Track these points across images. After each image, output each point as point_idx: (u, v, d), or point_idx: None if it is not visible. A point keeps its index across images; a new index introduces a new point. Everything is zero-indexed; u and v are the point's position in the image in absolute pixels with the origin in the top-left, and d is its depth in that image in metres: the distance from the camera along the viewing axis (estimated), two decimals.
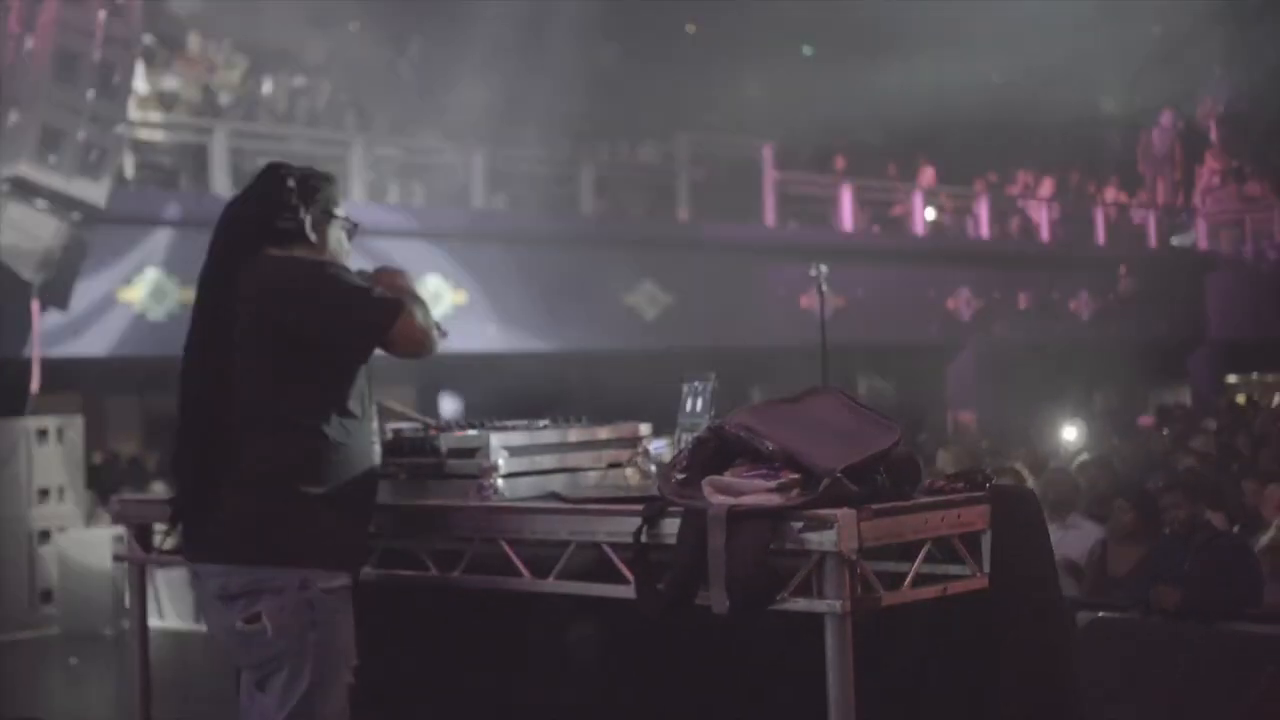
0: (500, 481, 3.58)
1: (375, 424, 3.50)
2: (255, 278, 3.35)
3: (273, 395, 3.30)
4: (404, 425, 3.86)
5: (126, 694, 4.50)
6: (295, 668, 3.24)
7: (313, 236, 3.45)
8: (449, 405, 15.16)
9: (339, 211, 3.54)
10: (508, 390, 11.12)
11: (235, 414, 3.31)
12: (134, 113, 10.80)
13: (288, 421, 3.30)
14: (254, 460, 3.28)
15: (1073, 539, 7.27)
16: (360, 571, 3.45)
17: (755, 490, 2.99)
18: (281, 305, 3.31)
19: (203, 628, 3.54)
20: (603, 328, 14.22)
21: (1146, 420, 15.64)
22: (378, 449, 3.48)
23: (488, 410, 4.27)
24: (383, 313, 3.34)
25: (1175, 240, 21.37)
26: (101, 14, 9.66)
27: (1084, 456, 9.79)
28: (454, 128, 15.02)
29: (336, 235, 3.53)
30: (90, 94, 9.67)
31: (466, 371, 14.27)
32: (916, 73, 16.44)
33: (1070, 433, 13.39)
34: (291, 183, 3.45)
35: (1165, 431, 13.47)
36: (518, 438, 3.67)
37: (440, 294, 13.71)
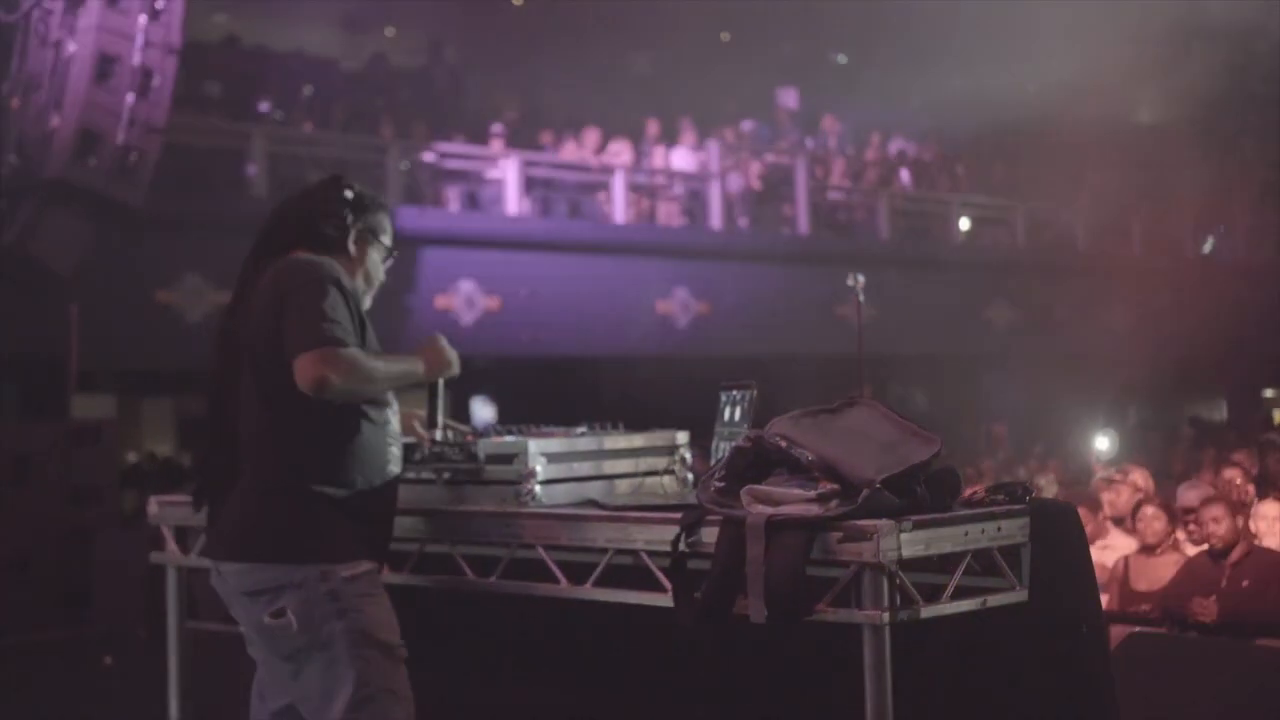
0: (538, 488, 3.58)
1: (395, 424, 3.49)
2: (273, 274, 3.36)
3: (286, 394, 3.27)
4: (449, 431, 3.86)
5: (162, 693, 4.52)
6: (330, 658, 3.25)
7: (352, 249, 3.49)
8: (481, 411, 15.19)
9: (385, 239, 3.57)
10: (541, 397, 11.13)
11: (251, 411, 3.34)
12: (173, 116, 10.86)
13: (302, 421, 3.30)
14: (269, 458, 3.32)
15: (1106, 557, 7.22)
16: (384, 562, 3.45)
17: (794, 500, 2.99)
18: (281, 304, 3.30)
19: (237, 628, 3.52)
20: (636, 335, 14.22)
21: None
22: (396, 450, 3.47)
23: (520, 417, 4.27)
24: (309, 340, 3.21)
25: (1206, 248, 21.21)
26: (142, 19, 9.73)
27: (1104, 473, 9.72)
28: (488, 133, 15.07)
29: (375, 258, 3.56)
30: (129, 98, 9.74)
31: (499, 377, 14.30)
32: (950, 81, 16.40)
33: (1103, 443, 13.30)
34: (349, 194, 3.50)
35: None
36: (556, 444, 3.68)
37: (473, 300, 13.75)
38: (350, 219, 3.49)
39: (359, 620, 3.27)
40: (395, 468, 3.46)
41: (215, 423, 3.44)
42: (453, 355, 3.58)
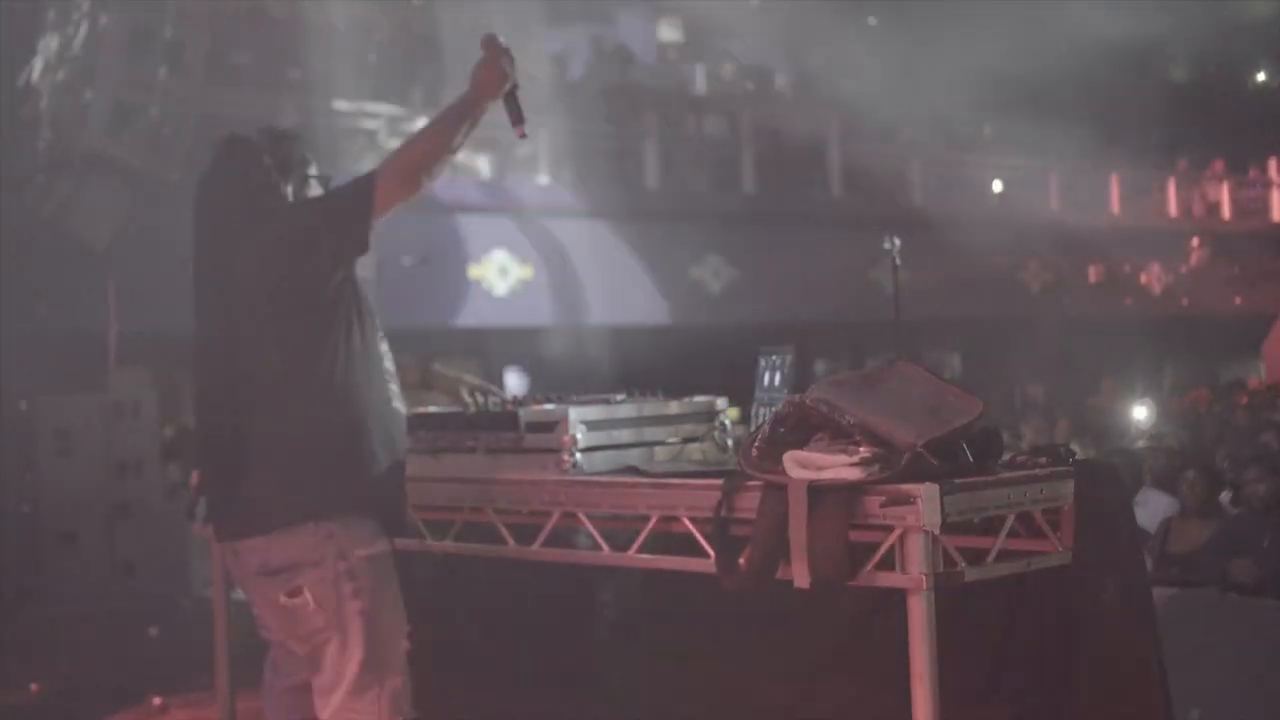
0: (579, 455, 3.58)
1: (392, 378, 3.44)
2: (250, 259, 3.30)
3: (280, 365, 3.26)
4: (489, 398, 3.88)
5: (206, 664, 4.56)
6: (344, 638, 3.25)
7: (291, 199, 3.43)
8: (515, 381, 15.21)
9: (311, 170, 3.48)
10: (574, 366, 11.14)
11: (248, 391, 3.29)
12: (205, 88, 10.88)
13: (298, 387, 3.26)
14: (272, 429, 3.26)
15: (1143, 516, 7.20)
16: (398, 529, 3.41)
17: (836, 465, 2.98)
18: (274, 263, 3.27)
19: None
20: (669, 302, 14.20)
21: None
22: (398, 404, 3.43)
23: (554, 387, 4.28)
24: (356, 184, 3.29)
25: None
26: None
27: (1143, 441, 9.68)
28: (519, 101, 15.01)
29: (316, 191, 3.50)
30: (162, 71, 9.76)
31: (532, 347, 14.33)
32: (983, 42, 16.25)
33: (1140, 412, 13.19)
34: (268, 159, 3.40)
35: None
36: (595, 412, 3.68)
37: (507, 268, 13.76)
38: (282, 182, 3.40)
39: (372, 601, 3.26)
40: (399, 416, 3.43)
41: (211, 408, 3.37)
42: (507, 61, 3.41)
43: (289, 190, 3.41)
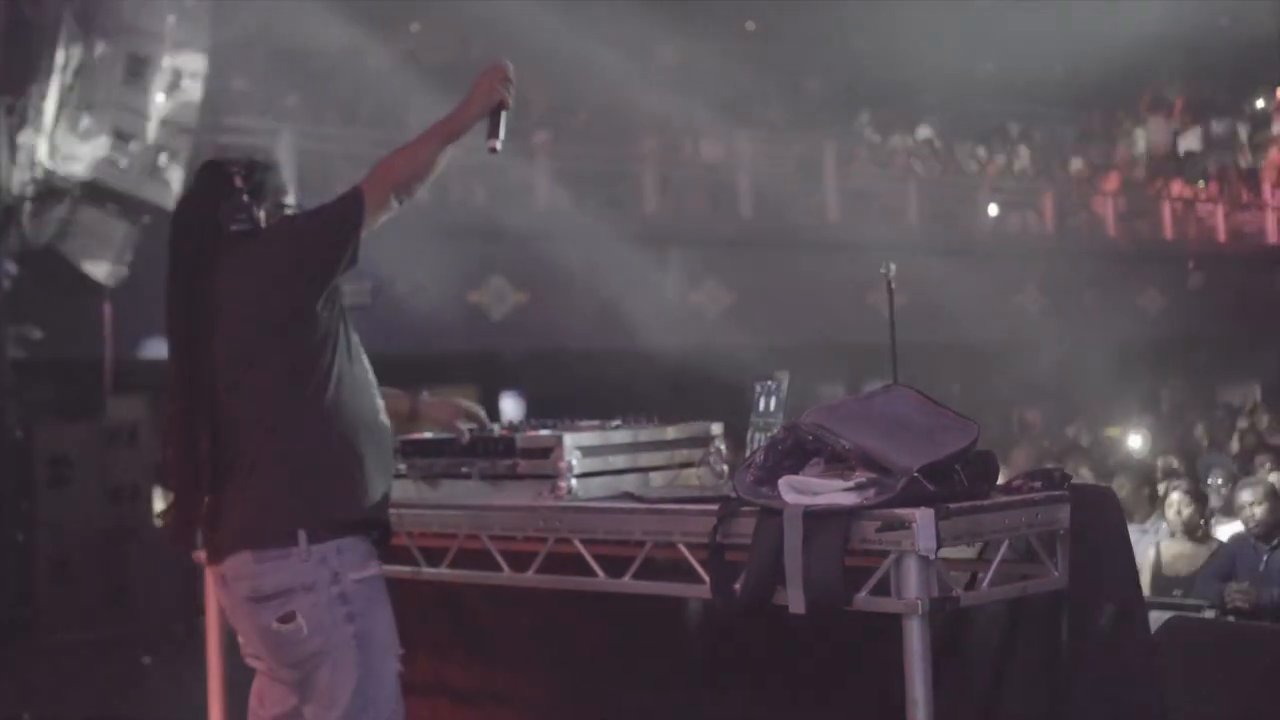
0: (574, 481, 3.58)
1: (378, 393, 3.44)
2: (238, 278, 3.31)
3: (274, 382, 3.26)
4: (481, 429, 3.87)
5: (201, 693, 4.54)
6: (337, 663, 3.23)
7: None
8: (511, 406, 15.20)
9: (288, 200, 3.49)
10: (571, 391, 11.11)
11: (240, 412, 3.28)
12: (202, 115, 10.90)
13: (293, 404, 3.25)
14: (267, 448, 3.25)
15: (1149, 540, 7.18)
16: (385, 542, 3.40)
17: (831, 490, 2.99)
18: (266, 280, 3.28)
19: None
20: (666, 326, 14.19)
21: None
22: (385, 419, 3.43)
23: (551, 412, 4.27)
24: (344, 198, 3.31)
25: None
26: (170, 18, 9.78)
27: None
28: (515, 127, 15.05)
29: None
30: (159, 98, 9.79)
31: (528, 372, 14.31)
32: (981, 61, 16.33)
33: (1136, 441, 13.15)
34: (240, 181, 3.40)
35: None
36: (591, 438, 3.68)
37: (503, 293, 13.76)
38: (254, 206, 3.39)
39: (366, 624, 3.25)
40: (383, 430, 3.42)
41: (191, 437, 3.32)
42: (505, 75, 3.44)
43: (261, 216, 3.39)
